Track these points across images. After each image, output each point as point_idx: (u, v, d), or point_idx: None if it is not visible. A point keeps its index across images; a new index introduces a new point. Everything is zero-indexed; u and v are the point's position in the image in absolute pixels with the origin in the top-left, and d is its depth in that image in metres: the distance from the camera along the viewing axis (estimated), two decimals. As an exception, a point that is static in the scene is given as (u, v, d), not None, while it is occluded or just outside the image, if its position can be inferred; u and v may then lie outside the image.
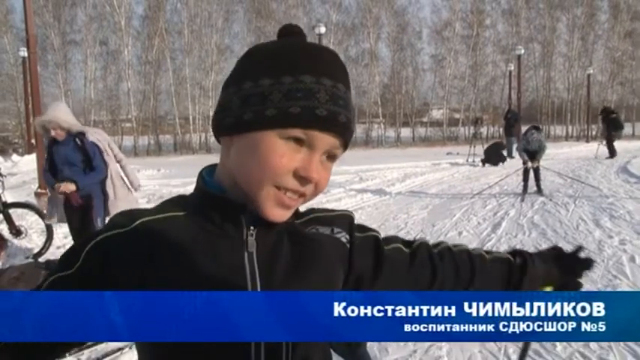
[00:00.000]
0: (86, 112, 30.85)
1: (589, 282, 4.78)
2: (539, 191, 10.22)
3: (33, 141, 14.53)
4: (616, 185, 11.36)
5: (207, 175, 0.90)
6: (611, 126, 18.92)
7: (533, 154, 10.26)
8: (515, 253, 1.10)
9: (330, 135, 0.81)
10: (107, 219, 4.69)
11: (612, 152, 18.25)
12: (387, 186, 11.83)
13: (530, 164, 10.23)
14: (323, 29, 20.86)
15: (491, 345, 3.58)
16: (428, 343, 3.62)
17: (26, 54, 12.96)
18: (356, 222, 1.02)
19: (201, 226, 0.85)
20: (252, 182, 0.82)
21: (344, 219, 0.99)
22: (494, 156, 17.33)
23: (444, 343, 3.62)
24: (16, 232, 6.34)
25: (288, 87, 0.79)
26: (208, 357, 0.82)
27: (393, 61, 35.44)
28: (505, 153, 18.11)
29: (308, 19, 33.46)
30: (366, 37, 34.60)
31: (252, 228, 0.85)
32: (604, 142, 18.72)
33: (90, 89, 31.00)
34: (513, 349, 3.51)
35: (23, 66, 20.61)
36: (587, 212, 8.07)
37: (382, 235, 1.05)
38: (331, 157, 0.85)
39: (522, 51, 26.39)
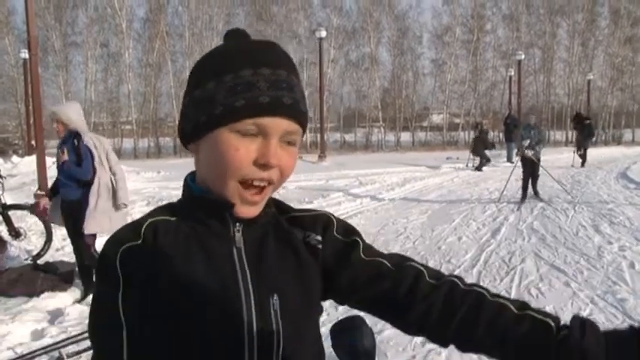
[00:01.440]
0: (86, 114, 30.46)
1: (588, 288, 4.78)
2: (536, 194, 10.20)
3: (33, 142, 14.53)
4: (616, 191, 11.37)
5: (190, 180, 0.93)
6: (585, 132, 18.02)
7: (532, 161, 10.13)
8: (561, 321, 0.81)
9: (280, 118, 0.83)
10: (84, 226, 4.62)
11: (585, 158, 17.68)
12: (386, 190, 11.83)
13: (527, 153, 10.09)
14: (324, 33, 20.90)
15: (490, 350, 3.57)
16: (427, 349, 3.62)
17: (27, 56, 12.97)
18: (337, 223, 0.98)
19: (192, 226, 0.89)
20: (218, 181, 0.85)
21: (319, 220, 0.98)
22: (480, 151, 17.26)
23: (442, 349, 3.61)
24: (16, 233, 6.33)
25: (230, 84, 0.83)
26: (206, 349, 0.84)
27: (394, 66, 35.58)
28: (500, 157, 18.23)
29: (309, 22, 33.59)
30: (366, 42, 34.72)
31: (237, 224, 0.89)
32: (580, 150, 17.89)
33: (90, 91, 31.07)
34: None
35: (24, 67, 20.63)
36: (587, 218, 8.07)
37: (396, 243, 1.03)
38: (291, 143, 0.87)
39: (522, 56, 26.43)
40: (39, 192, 9.35)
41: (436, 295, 0.86)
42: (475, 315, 0.82)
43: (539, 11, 36.10)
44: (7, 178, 7.25)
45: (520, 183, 10.34)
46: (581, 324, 0.76)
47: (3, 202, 6.33)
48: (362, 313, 0.91)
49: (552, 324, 0.78)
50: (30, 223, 6.97)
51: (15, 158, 17.55)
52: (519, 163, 10.60)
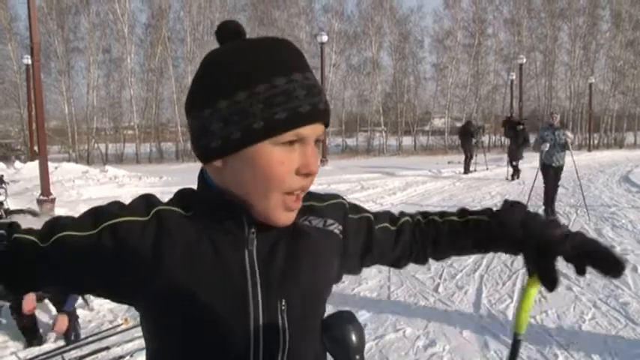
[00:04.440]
0: (88, 119, 30.92)
1: (591, 291, 4.77)
2: (552, 214, 8.41)
3: (35, 148, 14.57)
4: (618, 195, 11.35)
5: (207, 175, 0.90)
6: (519, 139, 14.88)
7: (557, 170, 8.46)
8: (497, 211, 1.03)
9: (317, 125, 0.84)
10: None
11: (517, 171, 14.90)
12: (388, 195, 11.83)
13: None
14: (325, 38, 20.93)
15: (492, 354, 3.57)
16: (429, 353, 3.61)
17: (30, 62, 13.03)
18: (349, 205, 1.04)
19: (206, 223, 0.87)
20: (258, 196, 0.83)
21: (336, 208, 1.01)
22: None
23: (445, 353, 3.61)
24: (18, 239, 6.34)
25: (265, 95, 0.79)
26: (211, 348, 0.85)
27: (395, 70, 35.53)
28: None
29: (310, 27, 33.67)
30: (368, 46, 34.71)
31: (253, 227, 0.87)
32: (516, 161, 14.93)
33: (92, 96, 31.08)
34: (515, 358, 3.50)
35: (27, 73, 20.72)
36: (589, 221, 8.06)
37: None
38: (318, 142, 0.87)
39: (524, 60, 26.45)
40: (42, 197, 9.38)
41: (424, 237, 1.06)
42: (447, 243, 1.06)
43: (541, 15, 36.10)
44: (10, 183, 7.26)
45: (524, 186, 10.16)
46: (504, 207, 1.00)
47: (6, 207, 6.36)
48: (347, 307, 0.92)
49: (486, 218, 1.02)
50: (32, 229, 6.99)
51: (18, 164, 17.59)
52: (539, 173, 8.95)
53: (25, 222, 0.90)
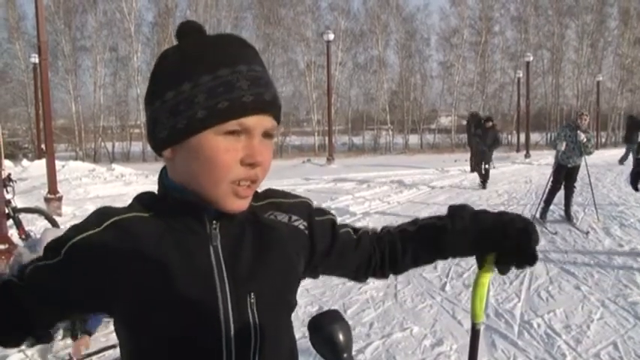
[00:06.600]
0: (95, 117, 31.06)
1: (599, 291, 4.74)
2: (569, 218, 8.03)
3: (43, 146, 14.63)
4: (626, 193, 11.26)
5: (166, 175, 0.92)
6: (488, 139, 12.86)
7: (571, 170, 8.06)
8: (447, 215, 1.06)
9: (262, 115, 0.84)
10: None
11: (487, 175, 12.71)
12: (395, 193, 11.79)
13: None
14: (332, 36, 20.89)
15: (499, 354, 3.55)
16: (436, 352, 3.60)
17: (37, 60, 13.08)
18: (315, 206, 1.07)
19: (167, 224, 0.88)
20: (206, 185, 0.84)
21: (301, 206, 1.03)
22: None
23: (452, 352, 3.60)
24: (26, 236, 6.37)
25: (209, 85, 0.82)
26: (184, 347, 0.85)
27: (402, 68, 35.48)
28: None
29: (316, 25, 33.63)
30: (374, 44, 34.68)
31: (214, 222, 0.88)
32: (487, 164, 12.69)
33: (99, 95, 31.23)
34: (522, 358, 3.48)
35: (34, 72, 20.79)
36: (598, 220, 8.00)
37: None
38: (268, 135, 0.87)
39: (531, 58, 26.29)
40: (49, 195, 9.42)
41: (382, 246, 1.09)
42: (400, 250, 1.08)
43: (548, 12, 35.91)
44: (17, 181, 7.29)
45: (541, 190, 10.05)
46: (454, 212, 1.03)
47: (13, 205, 6.38)
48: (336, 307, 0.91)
49: (437, 220, 1.05)
50: (40, 226, 7.02)
51: (25, 162, 17.66)
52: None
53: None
